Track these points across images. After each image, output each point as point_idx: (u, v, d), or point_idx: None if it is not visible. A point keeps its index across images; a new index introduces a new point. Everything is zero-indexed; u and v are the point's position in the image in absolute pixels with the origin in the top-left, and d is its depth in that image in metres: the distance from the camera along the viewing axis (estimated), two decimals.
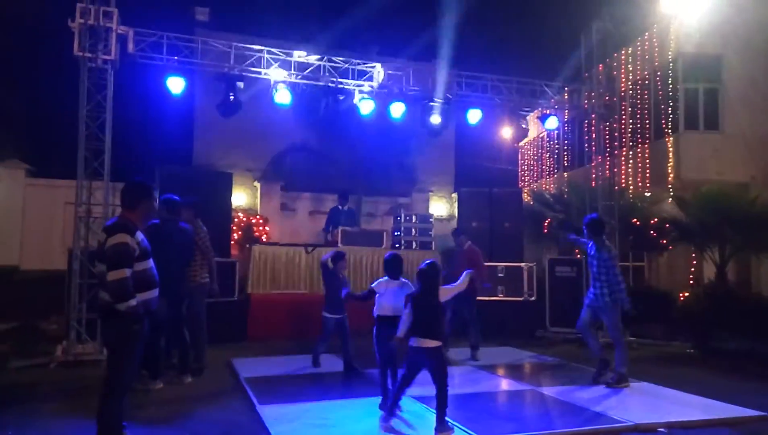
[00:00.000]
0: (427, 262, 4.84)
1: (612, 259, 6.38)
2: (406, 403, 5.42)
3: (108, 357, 4.03)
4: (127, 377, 4.00)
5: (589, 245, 6.57)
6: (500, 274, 10.13)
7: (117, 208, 4.41)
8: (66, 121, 8.88)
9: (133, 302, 3.80)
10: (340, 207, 10.96)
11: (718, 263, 10.19)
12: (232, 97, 8.61)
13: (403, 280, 5.37)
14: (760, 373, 7.34)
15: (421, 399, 5.49)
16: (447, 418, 4.52)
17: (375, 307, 5.31)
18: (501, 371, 7.08)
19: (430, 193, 19.10)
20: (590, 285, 6.61)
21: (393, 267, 5.34)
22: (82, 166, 7.59)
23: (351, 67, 9.44)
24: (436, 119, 9.81)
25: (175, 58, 8.42)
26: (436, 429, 4.48)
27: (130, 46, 8.07)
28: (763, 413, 5.16)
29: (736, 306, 9.21)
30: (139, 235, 3.98)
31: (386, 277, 5.34)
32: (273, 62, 9.01)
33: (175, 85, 8.47)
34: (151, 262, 4.08)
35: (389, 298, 5.21)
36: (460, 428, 4.62)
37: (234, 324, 8.91)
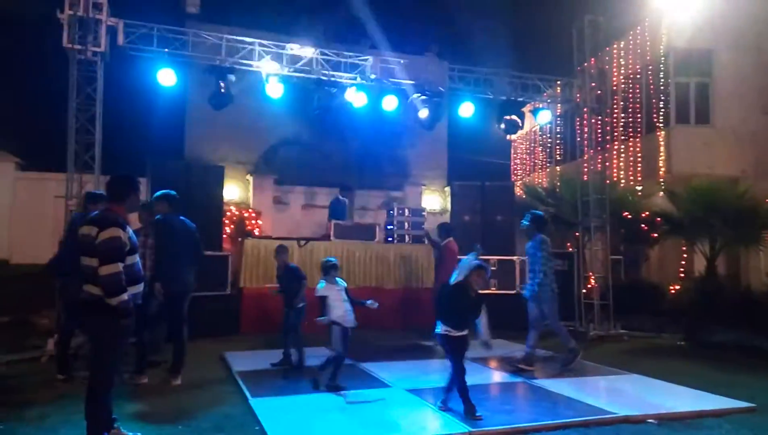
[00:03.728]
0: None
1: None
2: (400, 395, 5.45)
3: (94, 351, 4.00)
4: (113, 371, 3.99)
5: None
6: (492, 268, 10.16)
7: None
8: (55, 114, 8.80)
9: (125, 296, 3.79)
10: (343, 199, 11.03)
11: (708, 256, 10.27)
12: (223, 90, 8.57)
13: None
14: (749, 364, 7.42)
15: (415, 392, 5.53)
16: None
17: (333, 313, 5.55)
18: (493, 364, 7.12)
19: (423, 187, 19.09)
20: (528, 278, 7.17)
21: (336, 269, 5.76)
22: (72, 159, 7.54)
23: (343, 60, 9.40)
24: (427, 113, 9.82)
25: (166, 50, 8.36)
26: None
27: (120, 38, 8.00)
28: (751, 404, 5.22)
29: (726, 298, 9.30)
30: (129, 230, 3.97)
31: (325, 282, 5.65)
32: (265, 55, 8.96)
33: (166, 77, 8.41)
34: (137, 257, 4.07)
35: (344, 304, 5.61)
36: (453, 420, 4.65)
37: (226, 318, 8.91)
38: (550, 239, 7.14)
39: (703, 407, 5.17)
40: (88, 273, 3.85)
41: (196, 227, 6.34)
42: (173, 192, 6.25)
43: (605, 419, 4.78)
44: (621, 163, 14.92)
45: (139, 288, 4.08)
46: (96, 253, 3.78)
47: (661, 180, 13.32)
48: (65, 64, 7.62)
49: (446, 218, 12.46)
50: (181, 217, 6.24)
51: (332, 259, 5.82)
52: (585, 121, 10.99)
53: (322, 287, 5.63)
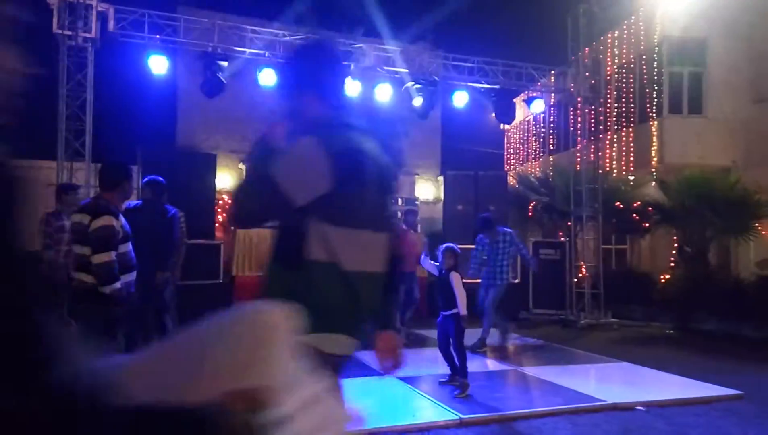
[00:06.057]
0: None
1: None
2: (393, 383, 5.48)
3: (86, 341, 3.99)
4: None
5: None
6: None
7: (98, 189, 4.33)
8: (45, 101, 8.71)
9: (117, 285, 3.78)
10: None
11: (698, 246, 10.36)
12: (216, 76, 8.49)
13: None
14: (737, 352, 7.52)
15: (407, 380, 5.56)
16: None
17: None
18: (484, 351, 7.16)
19: (416, 176, 19.09)
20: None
21: None
22: (62, 146, 7.48)
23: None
24: (421, 101, 9.80)
25: (157, 36, 8.28)
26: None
27: (111, 24, 7.92)
28: (738, 392, 5.29)
29: (716, 288, 9.39)
30: (121, 218, 3.96)
31: None
32: (258, 41, 8.89)
33: (158, 64, 8.34)
34: (130, 245, 4.06)
35: None
36: (444, 408, 4.69)
37: (218, 306, 8.85)
38: (516, 231, 7.86)
39: (691, 395, 5.24)
40: (81, 261, 3.83)
41: (178, 215, 6.10)
42: (159, 178, 6.00)
43: (594, 406, 4.84)
44: (614, 153, 14.95)
45: (132, 276, 4.07)
46: (89, 241, 3.77)
47: (653, 170, 13.37)
48: (55, 51, 7.53)
49: (439, 208, 12.47)
50: (165, 205, 5.99)
51: None
52: (578, 111, 11.00)
53: None
